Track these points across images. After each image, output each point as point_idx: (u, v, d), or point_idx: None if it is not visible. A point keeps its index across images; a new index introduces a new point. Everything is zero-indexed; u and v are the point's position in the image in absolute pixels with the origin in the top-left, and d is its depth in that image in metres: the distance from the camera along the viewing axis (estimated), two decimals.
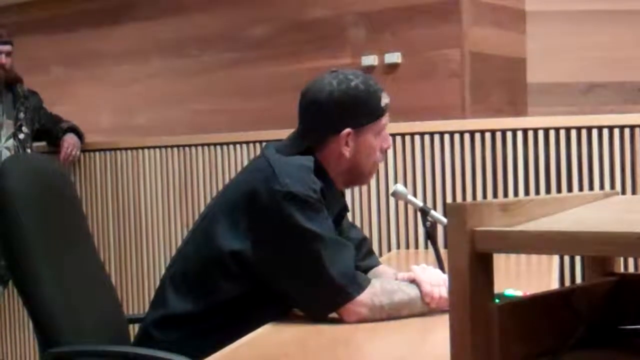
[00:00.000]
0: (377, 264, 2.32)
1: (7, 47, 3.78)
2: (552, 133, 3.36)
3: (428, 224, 2.20)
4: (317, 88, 2.06)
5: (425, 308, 1.95)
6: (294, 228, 1.91)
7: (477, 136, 3.44)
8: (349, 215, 3.55)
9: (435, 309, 1.94)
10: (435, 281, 1.96)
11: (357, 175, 2.14)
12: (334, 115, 2.05)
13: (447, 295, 1.86)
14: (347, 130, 2.05)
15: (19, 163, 2.17)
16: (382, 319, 1.92)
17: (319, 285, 1.92)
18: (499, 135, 3.42)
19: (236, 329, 1.84)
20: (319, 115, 2.06)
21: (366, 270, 2.21)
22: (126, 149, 4.23)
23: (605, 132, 3.30)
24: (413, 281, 1.98)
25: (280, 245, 1.94)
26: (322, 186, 1.98)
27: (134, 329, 2.37)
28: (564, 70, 3.81)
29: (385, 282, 1.99)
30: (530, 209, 0.96)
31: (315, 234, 1.92)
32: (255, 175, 2.01)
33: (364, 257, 2.27)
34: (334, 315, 1.94)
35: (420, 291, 1.95)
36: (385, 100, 2.10)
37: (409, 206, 3.39)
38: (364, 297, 1.92)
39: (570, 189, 3.32)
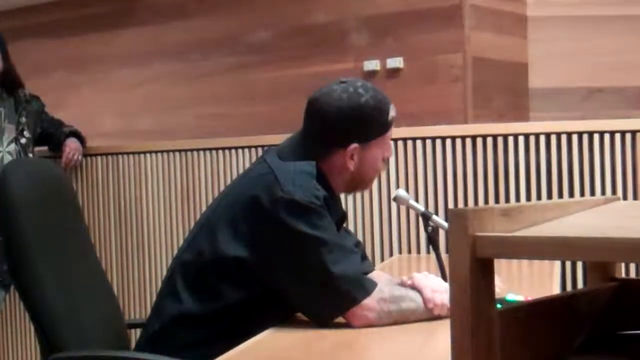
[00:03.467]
0: (371, 269, 2.32)
1: None
2: (553, 138, 3.36)
3: (430, 229, 2.20)
4: (326, 101, 2.05)
5: (430, 315, 1.95)
6: (297, 235, 1.91)
7: (479, 141, 3.44)
8: (351, 219, 3.58)
9: (439, 315, 1.94)
10: (437, 287, 1.96)
11: (358, 184, 2.16)
12: (342, 131, 2.04)
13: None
14: (354, 145, 2.05)
15: (20, 167, 2.18)
16: (389, 324, 1.92)
17: (325, 290, 1.92)
18: (500, 140, 3.42)
19: (242, 336, 1.84)
20: (327, 129, 2.06)
21: None
22: (128, 153, 4.23)
23: (607, 137, 3.30)
24: (414, 287, 1.98)
25: (284, 252, 1.94)
26: (325, 194, 1.98)
27: (135, 334, 2.38)
28: (565, 75, 3.81)
29: (394, 288, 1.98)
30: (531, 214, 0.96)
31: (320, 240, 1.91)
32: (257, 181, 2.00)
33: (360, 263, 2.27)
34: (338, 319, 1.94)
35: (422, 297, 1.95)
36: (392, 113, 2.11)
37: (411, 211, 3.39)
38: (371, 302, 1.91)
39: (571, 194, 3.32)
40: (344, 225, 2.28)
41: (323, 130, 2.06)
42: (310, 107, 2.09)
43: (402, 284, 2.02)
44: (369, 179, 2.15)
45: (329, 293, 1.92)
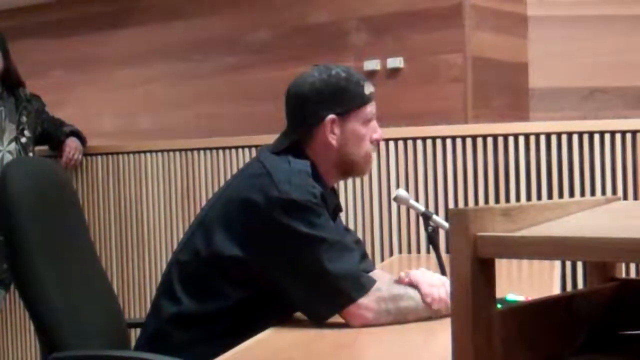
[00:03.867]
0: (372, 268, 2.32)
1: None
2: (553, 138, 3.36)
3: (430, 228, 2.20)
4: (299, 82, 2.09)
5: (429, 312, 1.95)
6: (295, 234, 1.91)
7: (479, 141, 3.44)
8: (351, 218, 3.58)
9: (437, 312, 1.94)
10: (434, 282, 1.95)
11: (350, 165, 2.13)
12: (316, 104, 2.06)
13: (447, 297, 1.87)
14: (331, 117, 2.05)
15: (21, 166, 2.18)
16: (387, 323, 1.92)
17: (322, 288, 1.91)
18: (500, 140, 3.43)
19: (242, 334, 1.84)
20: (303, 106, 2.08)
21: None
22: (128, 152, 4.23)
23: (607, 137, 3.30)
24: (412, 284, 1.98)
25: (282, 251, 1.93)
26: (322, 190, 1.98)
27: (135, 333, 2.37)
28: (565, 75, 3.81)
29: (393, 287, 1.97)
30: (532, 214, 0.96)
31: (317, 238, 1.91)
32: (251, 181, 2.00)
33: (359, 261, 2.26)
34: (337, 319, 1.93)
35: (420, 292, 1.94)
36: (369, 88, 2.10)
37: (411, 211, 3.39)
38: (369, 300, 1.91)
39: (572, 194, 3.32)
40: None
41: (299, 109, 2.09)
42: (287, 94, 2.13)
43: (400, 281, 2.01)
44: (358, 158, 2.11)
45: (326, 291, 1.92)
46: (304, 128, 2.08)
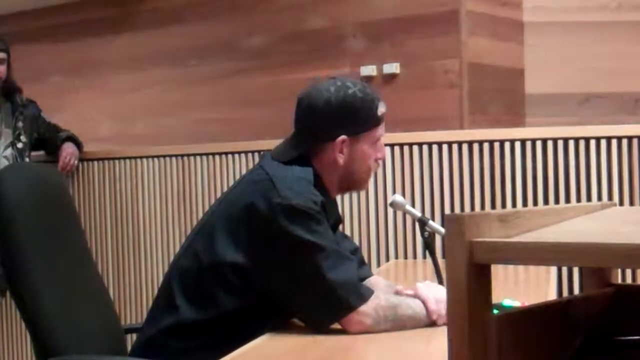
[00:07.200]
0: (370, 274, 2.32)
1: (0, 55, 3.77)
2: (549, 144, 3.36)
3: (426, 234, 2.20)
4: (314, 94, 2.06)
5: (427, 323, 1.94)
6: (294, 240, 1.91)
7: (475, 146, 3.45)
8: (348, 224, 3.58)
9: (443, 325, 1.93)
10: (440, 297, 1.95)
11: (351, 182, 2.14)
12: (330, 122, 2.05)
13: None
14: (342, 137, 2.04)
15: (17, 172, 2.18)
16: (385, 331, 1.92)
17: (321, 296, 1.91)
18: (497, 145, 3.43)
19: (239, 342, 1.83)
20: (316, 121, 2.06)
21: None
22: (125, 158, 4.23)
23: (603, 142, 3.31)
24: (416, 297, 1.97)
25: (281, 258, 1.93)
26: (322, 199, 1.98)
27: (131, 339, 2.37)
28: (561, 80, 3.82)
29: (391, 295, 1.98)
30: (528, 220, 0.96)
31: (317, 246, 1.91)
32: (253, 187, 2.00)
33: (357, 268, 2.26)
34: (334, 325, 1.93)
35: (426, 308, 1.94)
36: (381, 109, 2.09)
37: (408, 216, 3.39)
38: (368, 308, 1.91)
39: (568, 200, 3.33)
40: (342, 230, 2.28)
41: (312, 123, 2.07)
42: (300, 103, 2.10)
43: (399, 293, 2.01)
44: (360, 177, 2.13)
45: (325, 299, 1.92)
46: (313, 142, 2.08)
